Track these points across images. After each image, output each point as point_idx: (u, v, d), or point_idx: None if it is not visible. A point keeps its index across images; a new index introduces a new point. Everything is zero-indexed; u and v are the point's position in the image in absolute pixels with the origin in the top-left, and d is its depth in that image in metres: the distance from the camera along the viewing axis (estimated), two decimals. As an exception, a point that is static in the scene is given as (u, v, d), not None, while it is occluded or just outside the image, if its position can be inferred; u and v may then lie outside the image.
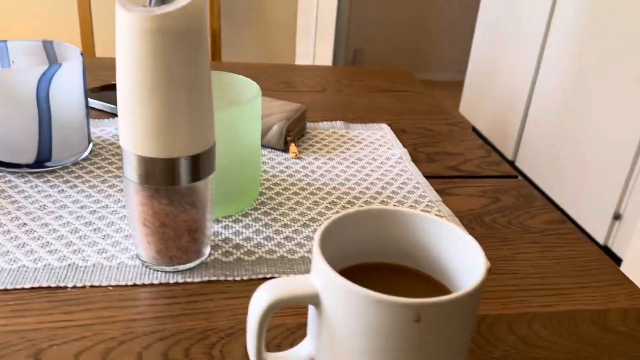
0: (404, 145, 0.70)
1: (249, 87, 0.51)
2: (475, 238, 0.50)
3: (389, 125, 0.76)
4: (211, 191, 0.43)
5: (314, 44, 3.05)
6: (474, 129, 2.62)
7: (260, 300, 0.28)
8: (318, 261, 0.28)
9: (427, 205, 0.56)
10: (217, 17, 1.39)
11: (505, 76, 2.26)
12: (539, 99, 2.04)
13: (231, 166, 0.49)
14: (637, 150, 1.56)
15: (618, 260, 1.64)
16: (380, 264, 0.35)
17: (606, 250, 1.72)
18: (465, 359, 0.30)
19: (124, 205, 0.51)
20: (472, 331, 0.29)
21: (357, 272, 0.33)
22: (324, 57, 3.09)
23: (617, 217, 1.65)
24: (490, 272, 0.46)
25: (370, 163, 0.64)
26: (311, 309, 0.30)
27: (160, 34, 0.35)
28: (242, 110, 0.47)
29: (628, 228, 1.59)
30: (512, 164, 2.23)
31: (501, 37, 2.30)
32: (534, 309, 0.42)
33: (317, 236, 0.30)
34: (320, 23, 2.99)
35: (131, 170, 0.40)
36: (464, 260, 0.31)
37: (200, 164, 0.40)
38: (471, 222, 0.54)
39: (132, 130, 0.38)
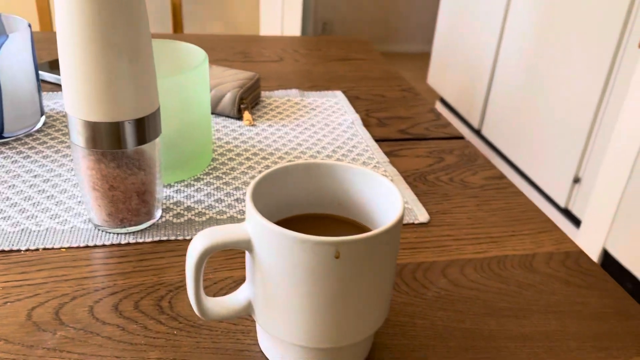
0: (357, 111, 0.72)
1: (196, 54, 0.52)
2: (418, 195, 0.53)
3: (344, 92, 0.78)
4: (159, 154, 0.44)
5: (282, 17, 3.02)
6: (442, 100, 2.65)
7: (195, 246, 0.30)
8: (249, 209, 0.31)
9: (375, 165, 0.59)
10: (178, -10, 1.37)
11: (470, 47, 2.29)
12: (502, 69, 2.08)
13: (181, 132, 0.50)
14: (594, 116, 1.62)
15: (578, 222, 1.71)
16: (313, 214, 0.37)
17: (567, 212, 1.79)
18: (386, 296, 0.33)
19: (77, 173, 0.52)
20: (391, 269, 0.32)
21: (291, 223, 0.36)
22: (292, 30, 3.07)
23: (576, 180, 1.71)
24: (429, 224, 0.49)
25: (323, 128, 0.66)
26: (247, 255, 0.32)
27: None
28: (189, 77, 0.49)
29: (587, 191, 1.65)
30: (478, 132, 2.28)
31: (465, 8, 2.32)
32: (466, 256, 0.45)
33: (249, 188, 0.32)
34: (287, -4, 2.96)
35: (77, 136, 0.41)
36: (386, 205, 0.33)
37: (146, 128, 0.42)
38: (415, 180, 0.56)
39: (76, 95, 0.39)
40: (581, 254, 0.46)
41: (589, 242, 1.57)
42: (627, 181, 1.42)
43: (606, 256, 1.53)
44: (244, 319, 0.37)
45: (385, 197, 0.34)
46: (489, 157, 2.23)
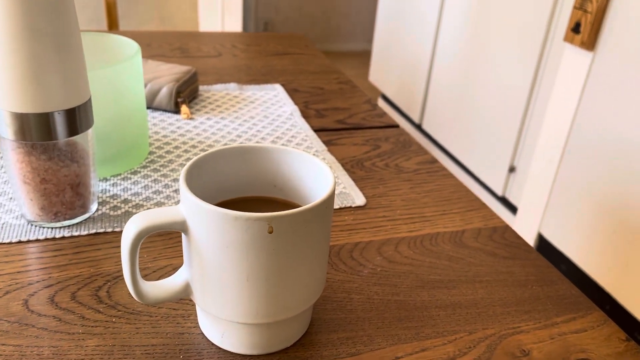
0: (296, 103, 0.73)
1: (129, 47, 0.52)
2: (355, 180, 0.55)
3: (283, 85, 0.79)
4: (92, 146, 0.44)
5: (222, 18, 3.00)
6: (384, 96, 2.71)
7: (129, 229, 0.31)
8: (183, 190, 0.31)
9: (313, 154, 0.60)
10: (112, -12, 1.34)
11: (408, 45, 2.35)
12: (439, 65, 2.14)
13: (115, 124, 0.50)
14: (526, 108, 1.70)
15: (514, 209, 1.79)
16: (251, 197, 0.38)
17: (504, 200, 1.87)
18: (321, 270, 0.34)
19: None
20: (324, 243, 0.33)
21: (227, 205, 0.36)
22: (233, 30, 3.05)
23: (511, 169, 1.79)
24: (366, 207, 0.51)
25: (262, 120, 0.67)
26: (183, 237, 0.33)
27: (20, -12, 0.36)
28: (122, 68, 0.48)
29: (521, 179, 1.73)
30: (419, 127, 2.34)
31: (402, 7, 2.38)
32: (400, 235, 0.47)
33: (183, 170, 0.32)
34: (227, -4, 2.94)
35: (5, 128, 0.40)
36: (318, 184, 0.35)
37: (77, 118, 0.41)
38: (353, 167, 0.58)
39: (2, 86, 0.38)
40: (507, 228, 0.49)
41: (526, 227, 1.65)
42: (557, 169, 1.51)
43: (541, 240, 1.61)
44: (184, 303, 0.38)
45: (317, 176, 0.35)
46: (430, 150, 2.29)
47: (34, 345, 0.34)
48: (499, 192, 1.83)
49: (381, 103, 2.73)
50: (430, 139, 2.28)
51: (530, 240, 1.64)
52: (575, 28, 1.38)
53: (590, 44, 1.35)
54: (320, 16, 3.48)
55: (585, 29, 1.35)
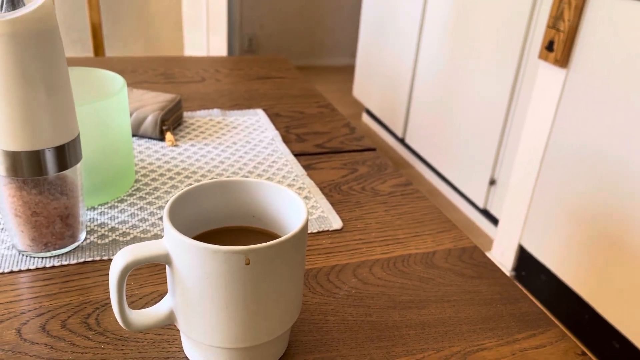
0: (277, 128, 0.76)
1: (115, 81, 0.55)
2: (333, 204, 0.58)
3: (265, 110, 0.82)
4: (81, 179, 0.46)
5: (207, 34, 3.03)
6: (368, 111, 2.75)
7: (116, 263, 0.33)
8: (166, 225, 0.34)
9: (293, 179, 0.63)
10: (97, 10, 1.37)
11: (390, 60, 2.40)
12: (420, 81, 2.19)
13: (102, 156, 0.52)
14: (504, 123, 1.74)
15: (496, 221, 1.83)
16: (230, 227, 0.40)
17: (486, 212, 1.91)
18: (297, 296, 0.37)
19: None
20: (299, 271, 0.36)
21: (208, 236, 0.39)
22: (219, 46, 3.08)
23: (492, 182, 1.83)
24: (342, 230, 0.54)
25: (245, 146, 0.70)
26: (167, 268, 0.35)
27: (12, 37, 0.38)
28: (108, 104, 0.51)
29: (502, 192, 1.78)
30: (402, 141, 2.38)
31: (384, 23, 2.43)
32: (375, 257, 0.50)
33: (166, 207, 0.35)
34: (211, 13, 2.98)
35: (-3, 165, 0.42)
36: (293, 215, 0.37)
37: (66, 154, 0.44)
38: (331, 191, 0.61)
39: (-6, 126, 0.41)
40: (475, 248, 0.52)
41: (507, 239, 1.69)
42: (535, 182, 1.55)
43: (522, 251, 1.65)
44: (169, 329, 0.40)
45: (292, 208, 0.38)
46: (413, 164, 2.33)
47: (27, 373, 0.36)
48: (481, 205, 1.87)
49: (365, 118, 2.77)
50: (414, 153, 2.32)
51: (512, 252, 1.67)
52: (549, 46, 1.43)
53: (563, 61, 1.40)
54: (304, 32, 3.53)
55: (559, 47, 1.40)
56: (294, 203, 0.37)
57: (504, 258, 1.70)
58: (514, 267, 1.68)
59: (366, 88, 2.65)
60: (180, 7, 1.70)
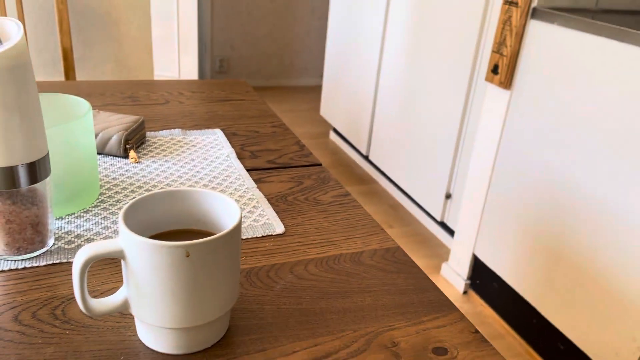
0: (233, 146, 0.83)
1: (81, 105, 0.62)
2: (278, 212, 0.65)
3: (223, 130, 0.89)
4: (50, 191, 0.53)
5: (178, 56, 3.10)
6: (335, 130, 2.84)
7: (78, 258, 0.40)
8: (121, 226, 0.41)
9: (244, 191, 0.70)
10: (67, 34, 1.43)
11: (354, 81, 2.50)
12: (381, 101, 2.30)
13: (69, 172, 0.59)
14: (457, 141, 1.85)
15: (453, 232, 1.93)
16: (179, 230, 0.47)
17: (443, 224, 2.00)
18: (232, 284, 0.44)
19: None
20: (234, 263, 0.43)
21: (159, 237, 0.46)
22: (189, 68, 3.15)
23: (448, 196, 1.93)
24: (284, 235, 0.61)
25: (202, 162, 0.77)
26: (122, 263, 0.42)
27: (-10, 69, 0.45)
28: (73, 126, 0.58)
29: (457, 205, 1.88)
30: (367, 158, 2.48)
31: (348, 45, 2.54)
32: (310, 256, 0.58)
33: (122, 211, 0.42)
34: (182, 35, 3.06)
35: (-24, 179, 0.49)
36: (229, 218, 0.45)
37: (37, 169, 0.51)
38: (277, 201, 0.68)
39: (-27, 146, 0.47)
40: (398, 249, 0.60)
41: (462, 250, 1.78)
42: (486, 195, 1.65)
43: (476, 261, 1.74)
44: (126, 317, 0.47)
45: (229, 212, 0.45)
46: (377, 180, 2.43)
47: (2, 354, 0.42)
48: (438, 218, 1.96)
49: (333, 136, 2.87)
50: (378, 169, 2.41)
51: (467, 261, 1.77)
52: (494, 69, 1.54)
53: (507, 83, 1.51)
54: (274, 53, 3.63)
55: (503, 71, 1.52)
56: (231, 208, 0.45)
57: (459, 267, 1.80)
58: (469, 276, 1.77)
59: (332, 108, 2.74)
60: (150, 30, 1.78)
